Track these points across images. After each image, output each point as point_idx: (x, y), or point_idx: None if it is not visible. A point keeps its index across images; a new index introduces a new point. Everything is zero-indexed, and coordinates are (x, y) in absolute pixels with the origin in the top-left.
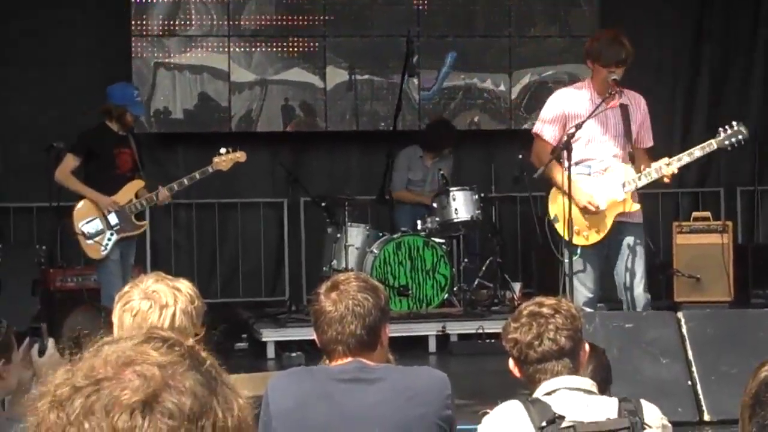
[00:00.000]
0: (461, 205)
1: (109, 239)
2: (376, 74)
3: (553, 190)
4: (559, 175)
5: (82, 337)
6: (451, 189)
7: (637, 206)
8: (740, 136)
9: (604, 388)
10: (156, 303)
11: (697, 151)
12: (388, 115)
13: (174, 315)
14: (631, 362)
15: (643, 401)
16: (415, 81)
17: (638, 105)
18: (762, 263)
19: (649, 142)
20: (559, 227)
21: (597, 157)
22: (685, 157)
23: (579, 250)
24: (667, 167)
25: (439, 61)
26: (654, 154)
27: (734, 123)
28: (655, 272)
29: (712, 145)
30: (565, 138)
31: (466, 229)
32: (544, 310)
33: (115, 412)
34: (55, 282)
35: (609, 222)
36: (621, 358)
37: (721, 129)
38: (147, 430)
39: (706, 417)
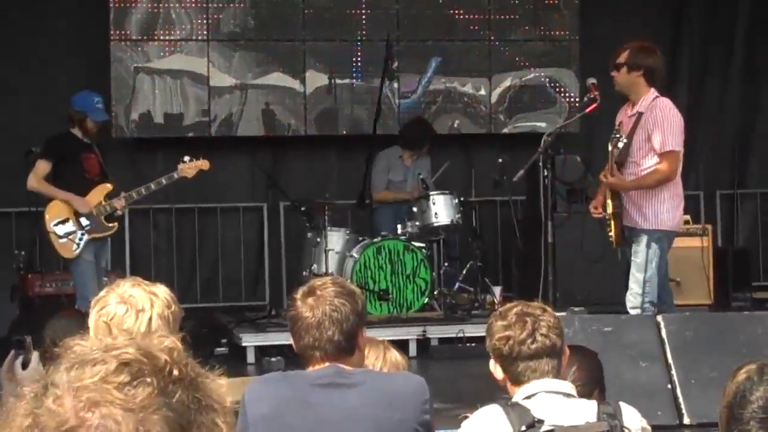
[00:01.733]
0: (441, 209)
1: (81, 239)
2: (356, 79)
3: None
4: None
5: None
6: (431, 193)
7: (609, 207)
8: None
9: (592, 391)
10: (132, 307)
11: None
12: (368, 120)
13: (150, 320)
14: (611, 365)
15: (622, 404)
16: (395, 85)
17: (651, 112)
18: (742, 266)
19: (664, 148)
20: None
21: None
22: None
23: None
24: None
25: (420, 65)
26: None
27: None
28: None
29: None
30: (544, 142)
31: (447, 233)
32: (533, 309)
33: None
34: (33, 287)
35: (613, 226)
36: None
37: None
38: None
39: (686, 420)
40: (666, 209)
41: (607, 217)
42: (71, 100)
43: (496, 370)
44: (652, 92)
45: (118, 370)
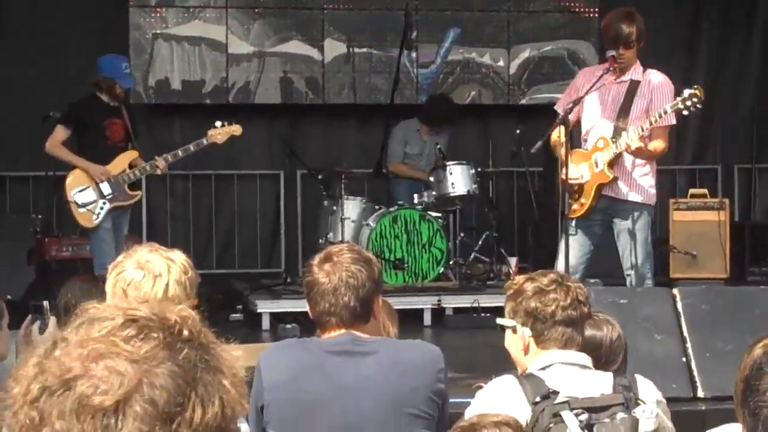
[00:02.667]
0: (458, 180)
1: (102, 208)
2: (375, 47)
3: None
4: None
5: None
6: (447, 163)
7: (608, 176)
8: (695, 99)
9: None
10: (149, 273)
11: (652, 119)
12: (386, 89)
13: (167, 285)
14: (626, 338)
15: (637, 377)
16: (414, 55)
17: (649, 82)
18: (758, 241)
19: (664, 121)
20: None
21: (594, 133)
22: (644, 126)
23: (574, 222)
24: (626, 136)
25: (438, 35)
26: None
27: (686, 89)
28: (652, 248)
29: (666, 110)
30: (562, 114)
31: (463, 204)
32: (567, 279)
33: (85, 415)
34: (50, 251)
35: (591, 193)
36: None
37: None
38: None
39: (700, 393)
40: (654, 184)
41: (582, 185)
42: (99, 64)
43: (523, 335)
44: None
45: (125, 324)
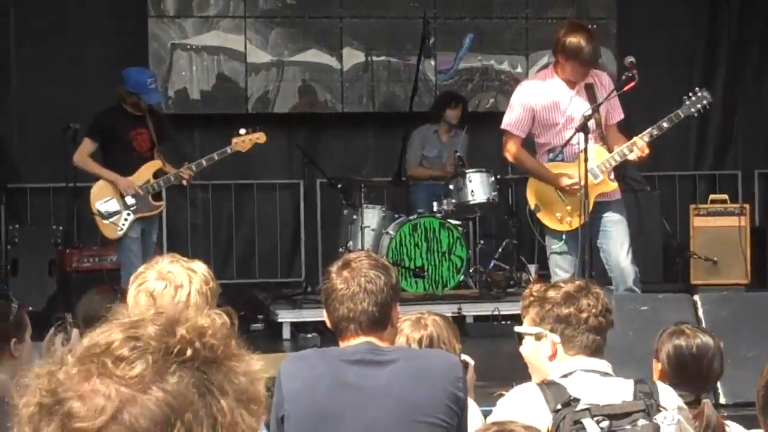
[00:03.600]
0: (477, 187)
1: (126, 219)
2: (393, 56)
3: (530, 180)
4: (532, 163)
5: (96, 319)
6: (467, 171)
7: (614, 185)
8: (704, 101)
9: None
10: (171, 283)
11: (664, 123)
12: (405, 97)
13: (189, 295)
14: (647, 345)
15: (659, 383)
16: (432, 63)
17: (602, 82)
18: None
19: (618, 117)
20: (541, 216)
21: (574, 144)
22: (654, 131)
23: (564, 236)
24: (640, 141)
25: (456, 43)
26: (666, 134)
27: (697, 89)
28: (672, 255)
29: (678, 114)
30: (582, 120)
31: (482, 211)
32: (593, 286)
33: None
34: (71, 262)
35: (590, 204)
36: (637, 341)
37: (685, 97)
38: None
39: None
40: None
41: (580, 192)
42: (124, 76)
43: (552, 342)
44: None
45: (122, 344)
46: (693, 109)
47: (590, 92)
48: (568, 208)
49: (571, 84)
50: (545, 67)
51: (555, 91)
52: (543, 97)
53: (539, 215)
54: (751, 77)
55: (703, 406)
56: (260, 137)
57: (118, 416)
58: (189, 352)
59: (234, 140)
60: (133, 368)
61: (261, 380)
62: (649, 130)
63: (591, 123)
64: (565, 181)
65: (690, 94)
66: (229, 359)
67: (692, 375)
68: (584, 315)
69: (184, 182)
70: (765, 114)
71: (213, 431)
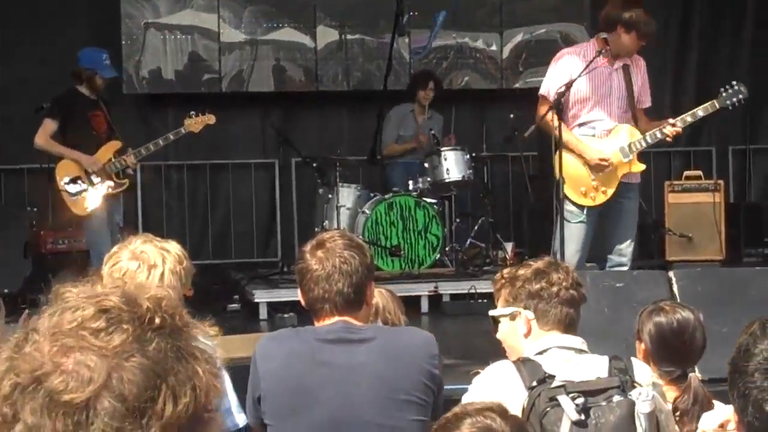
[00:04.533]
0: (453, 165)
1: (92, 196)
2: (367, 34)
3: (559, 151)
4: (566, 134)
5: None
6: (442, 149)
7: (642, 167)
8: (740, 95)
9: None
10: (144, 263)
11: (700, 111)
12: (379, 76)
13: (162, 275)
14: (622, 321)
15: (633, 360)
16: (406, 41)
17: (638, 66)
18: (754, 222)
19: (647, 103)
20: (566, 188)
21: (601, 119)
22: (688, 118)
23: (585, 211)
24: (672, 127)
25: (430, 20)
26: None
27: (734, 83)
28: (647, 231)
29: (714, 105)
30: (555, 97)
31: (458, 189)
32: (561, 264)
33: (56, 412)
34: (46, 244)
35: (615, 183)
36: (612, 317)
37: (722, 89)
38: (90, 428)
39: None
40: None
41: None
42: (79, 56)
43: (526, 318)
44: None
45: (95, 316)
46: (728, 102)
47: (626, 73)
48: (594, 183)
49: (612, 60)
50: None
51: (594, 65)
52: (580, 68)
53: (564, 188)
54: (726, 54)
55: (690, 380)
56: (209, 119)
57: (107, 384)
58: (157, 320)
59: (186, 122)
60: (112, 338)
61: (216, 344)
62: (683, 116)
63: (622, 103)
64: (595, 157)
65: (727, 86)
66: (188, 326)
67: (676, 350)
68: (555, 288)
69: (129, 170)
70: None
71: (193, 392)
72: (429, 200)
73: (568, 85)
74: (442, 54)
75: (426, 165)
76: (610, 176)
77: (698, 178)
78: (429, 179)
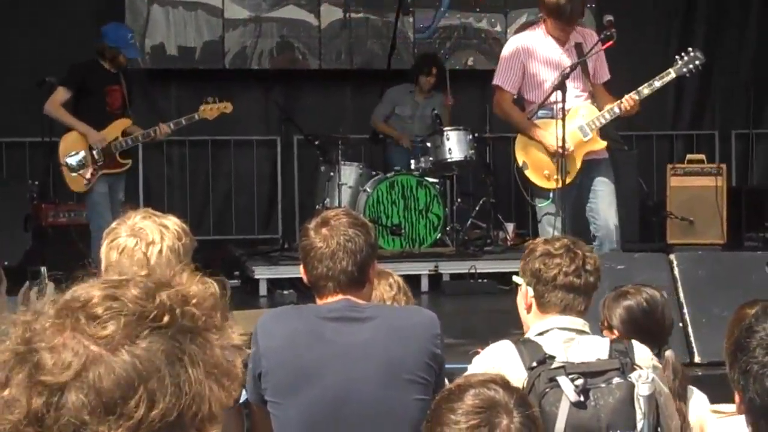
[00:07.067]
0: (455, 145)
1: (92, 174)
2: (371, 13)
3: (519, 137)
4: (522, 120)
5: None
6: (444, 129)
7: (603, 143)
8: (697, 62)
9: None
10: (142, 240)
11: (656, 82)
12: (383, 55)
13: (160, 252)
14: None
15: (634, 342)
16: (411, 20)
17: (591, 41)
18: (755, 206)
19: (605, 76)
20: (529, 174)
21: (558, 100)
22: (645, 90)
23: (551, 194)
24: (627, 102)
25: (434, 0)
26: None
27: (690, 49)
28: (649, 214)
29: (670, 73)
30: (560, 78)
31: (460, 169)
32: (580, 246)
33: (33, 388)
34: (47, 217)
35: (578, 163)
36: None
37: (677, 56)
38: (58, 413)
39: (697, 359)
40: None
41: (570, 151)
42: (103, 32)
43: (527, 293)
44: None
45: (99, 302)
46: (685, 69)
47: (579, 51)
48: (556, 166)
49: (561, 42)
50: (533, 23)
51: (544, 48)
52: (532, 54)
53: (527, 173)
54: (729, 37)
55: (667, 358)
56: (226, 107)
57: (82, 374)
58: (166, 318)
59: (202, 107)
60: (104, 328)
61: (239, 355)
62: (639, 88)
63: (578, 81)
64: (554, 143)
65: (682, 53)
66: (209, 330)
67: (648, 330)
68: (552, 273)
69: (159, 136)
70: (743, 74)
71: (176, 400)
72: (431, 180)
73: (573, 67)
74: (447, 34)
75: (428, 144)
76: (571, 158)
77: (701, 161)
78: (431, 159)
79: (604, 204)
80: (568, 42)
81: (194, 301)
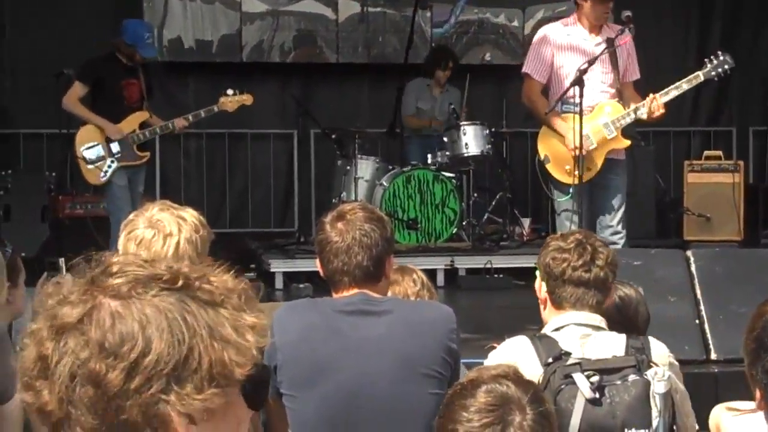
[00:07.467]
0: (471, 140)
1: (110, 166)
2: (389, 7)
3: (542, 129)
4: (549, 116)
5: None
6: (461, 123)
7: (627, 142)
8: (726, 66)
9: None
10: (160, 232)
11: (684, 84)
12: (400, 49)
13: (178, 244)
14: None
15: (650, 339)
16: (428, 15)
17: (624, 40)
18: None
19: (635, 75)
20: (551, 168)
21: (585, 95)
22: (672, 91)
23: (571, 189)
24: (654, 102)
25: None
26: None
27: (719, 53)
28: (666, 210)
29: (699, 77)
30: (577, 74)
31: (476, 164)
32: (594, 240)
33: (48, 335)
34: (64, 209)
35: (600, 160)
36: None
37: (707, 60)
38: (61, 354)
39: (713, 355)
40: None
41: (589, 152)
42: (123, 26)
43: (541, 288)
44: None
45: (116, 263)
46: (714, 73)
47: (611, 47)
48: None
49: (594, 31)
50: (563, 17)
51: (576, 39)
52: (562, 45)
53: (548, 167)
54: (748, 34)
55: None
56: (247, 99)
57: (84, 318)
58: (180, 283)
59: (221, 99)
60: (114, 280)
61: (253, 339)
62: (667, 89)
63: (607, 76)
64: (576, 140)
65: (712, 57)
66: (223, 306)
67: (623, 326)
68: (560, 268)
69: (177, 129)
70: (761, 71)
71: (172, 350)
72: (447, 174)
73: (591, 61)
74: (464, 29)
75: (445, 139)
76: (594, 153)
77: (718, 158)
78: (447, 153)
79: (610, 205)
80: (601, 34)
81: (215, 282)
